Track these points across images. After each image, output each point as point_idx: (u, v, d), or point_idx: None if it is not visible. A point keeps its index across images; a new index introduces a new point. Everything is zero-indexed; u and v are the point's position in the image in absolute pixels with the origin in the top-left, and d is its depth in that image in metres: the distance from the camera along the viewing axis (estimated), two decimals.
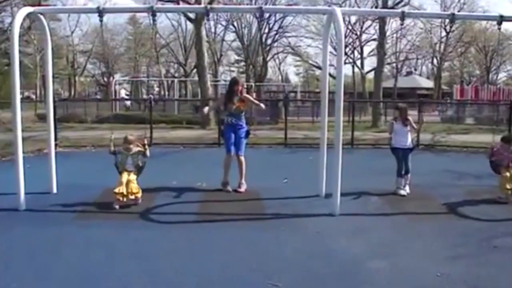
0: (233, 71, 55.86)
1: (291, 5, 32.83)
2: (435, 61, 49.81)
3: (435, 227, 5.69)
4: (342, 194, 6.11)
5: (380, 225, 5.79)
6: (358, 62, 42.15)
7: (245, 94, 7.57)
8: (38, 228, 5.43)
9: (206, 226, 5.65)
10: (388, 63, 41.35)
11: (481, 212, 6.33)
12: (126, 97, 36.66)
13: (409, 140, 7.39)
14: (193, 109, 27.23)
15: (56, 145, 10.10)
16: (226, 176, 7.38)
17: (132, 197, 6.28)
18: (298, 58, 52.12)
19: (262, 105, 7.60)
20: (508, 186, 6.86)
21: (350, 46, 39.85)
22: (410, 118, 7.43)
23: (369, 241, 5.15)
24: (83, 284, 3.91)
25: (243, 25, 44.90)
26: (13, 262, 4.39)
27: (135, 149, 6.55)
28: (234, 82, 7.56)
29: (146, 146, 6.61)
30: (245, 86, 7.60)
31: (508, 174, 6.93)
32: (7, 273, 4.11)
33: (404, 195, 7.16)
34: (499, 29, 6.54)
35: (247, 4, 33.43)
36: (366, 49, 42.90)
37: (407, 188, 7.27)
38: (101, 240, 5.02)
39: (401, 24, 8.45)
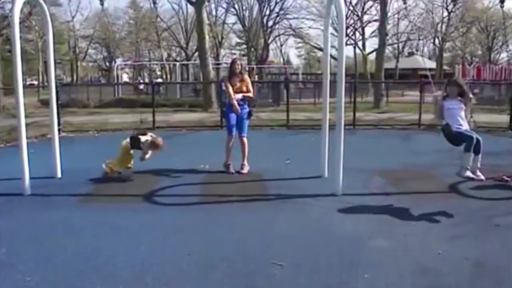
0: (234, 54, 55.70)
1: None
2: (436, 41, 49.51)
3: (437, 206, 5.70)
4: (344, 174, 6.12)
5: (382, 204, 5.81)
6: (360, 44, 41.93)
7: (245, 76, 7.59)
8: (43, 212, 5.46)
9: (209, 208, 5.70)
10: (390, 44, 41.26)
11: (483, 191, 6.32)
12: (141, 82, 36.62)
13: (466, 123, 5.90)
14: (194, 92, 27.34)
15: (59, 130, 10.14)
16: (229, 158, 7.41)
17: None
18: (299, 40, 51.95)
19: (251, 94, 7.56)
20: None
21: (351, 27, 39.63)
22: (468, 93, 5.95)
23: (372, 221, 5.18)
24: (89, 267, 3.95)
25: (244, 8, 44.83)
26: (19, 246, 4.43)
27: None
28: (231, 62, 7.82)
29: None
30: (246, 68, 7.59)
31: None
32: (14, 257, 4.16)
33: (473, 179, 5.77)
34: (502, 7, 6.30)
35: None
36: (368, 30, 42.76)
37: (478, 173, 5.79)
38: (106, 223, 5.06)
39: (404, 2, 8.22)
